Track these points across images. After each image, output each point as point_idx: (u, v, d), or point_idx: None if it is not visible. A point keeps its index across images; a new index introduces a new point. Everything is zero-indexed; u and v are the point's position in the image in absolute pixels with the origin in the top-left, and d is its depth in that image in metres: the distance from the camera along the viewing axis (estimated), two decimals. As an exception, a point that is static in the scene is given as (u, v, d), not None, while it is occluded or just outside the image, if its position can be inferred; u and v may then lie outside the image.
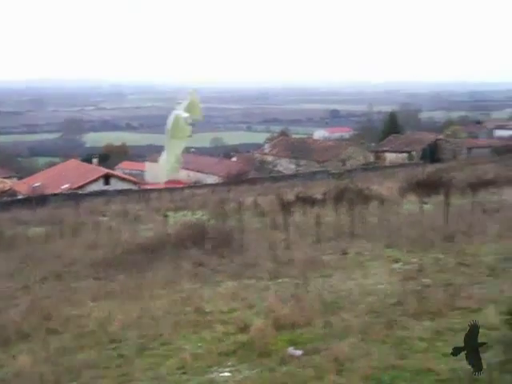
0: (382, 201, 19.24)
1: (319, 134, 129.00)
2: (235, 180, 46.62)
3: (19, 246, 17.66)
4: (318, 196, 21.68)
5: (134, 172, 66.12)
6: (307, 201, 19.95)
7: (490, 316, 6.71)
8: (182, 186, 45.52)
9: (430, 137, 72.67)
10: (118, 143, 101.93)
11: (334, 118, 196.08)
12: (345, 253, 12.50)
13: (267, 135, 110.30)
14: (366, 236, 14.36)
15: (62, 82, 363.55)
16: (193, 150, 66.52)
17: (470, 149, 71.35)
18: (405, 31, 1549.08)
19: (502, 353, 5.51)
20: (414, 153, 66.23)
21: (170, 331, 7.68)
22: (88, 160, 64.68)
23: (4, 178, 60.04)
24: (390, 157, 66.88)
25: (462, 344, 4.34)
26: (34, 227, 22.18)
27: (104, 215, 25.81)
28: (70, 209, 26.93)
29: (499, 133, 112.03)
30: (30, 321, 8.75)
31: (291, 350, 6.49)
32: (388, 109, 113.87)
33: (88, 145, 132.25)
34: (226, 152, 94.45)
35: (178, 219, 21.55)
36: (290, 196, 22.02)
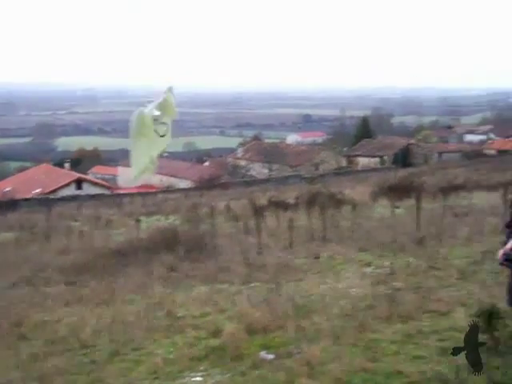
0: (354, 205, 19.36)
1: (292, 138, 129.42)
2: (208, 185, 46.59)
3: (-11, 251, 17.45)
4: (291, 200, 21.78)
5: (106, 176, 65.82)
6: (280, 205, 20.02)
7: (460, 319, 6.79)
8: (154, 190, 45.44)
9: (402, 141, 73.41)
10: (90, 147, 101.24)
11: (306, 122, 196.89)
12: (317, 257, 12.55)
13: (240, 140, 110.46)
14: (338, 240, 14.44)
15: (34, 86, 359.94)
16: (165, 154, 66.29)
17: (440, 153, 72.30)
18: (376, 38, 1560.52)
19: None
20: (385, 157, 66.80)
21: (141, 336, 7.65)
22: (60, 164, 64.32)
23: (-26, 182, 59.33)
24: (363, 161, 67.37)
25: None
26: (4, 232, 21.97)
27: (76, 220, 25.63)
28: (42, 214, 26.66)
29: (469, 137, 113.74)
30: (-1, 327, 8.66)
31: (263, 353, 6.50)
32: (360, 113, 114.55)
33: (60, 149, 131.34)
34: (199, 156, 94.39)
35: (151, 224, 21.48)
36: (262, 200, 22.11)
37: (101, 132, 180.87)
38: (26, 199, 40.55)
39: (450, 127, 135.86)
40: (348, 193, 24.09)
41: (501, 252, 3.26)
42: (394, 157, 66.11)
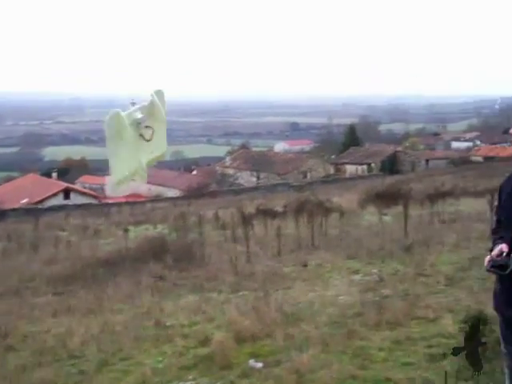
0: (342, 213, 19.41)
1: (280, 146, 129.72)
2: (196, 193, 46.60)
3: (-24, 262, 17.35)
4: (279, 208, 21.83)
5: (94, 186, 65.46)
6: (268, 213, 20.04)
7: (448, 325, 6.81)
8: (142, 199, 45.34)
9: (389, 149, 73.75)
10: (77, 157, 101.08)
11: (294, 130, 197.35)
12: (305, 265, 12.55)
13: (228, 148, 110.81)
14: (326, 248, 14.46)
15: (20, 96, 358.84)
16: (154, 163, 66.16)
17: (427, 160, 72.66)
18: (363, 46, 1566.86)
19: (459, 361, 5.60)
20: (373, 165, 67.04)
21: (130, 346, 7.62)
22: (47, 174, 64.05)
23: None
24: (350, 169, 67.63)
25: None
26: (-9, 243, 21.83)
27: (63, 230, 25.52)
28: (29, 224, 26.55)
29: (456, 144, 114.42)
30: (-13, 338, 8.60)
31: (252, 362, 6.49)
32: (347, 121, 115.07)
33: (47, 159, 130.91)
34: (187, 165, 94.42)
35: (139, 233, 21.44)
36: (250, 209, 22.11)
37: (88, 141, 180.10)
38: (14, 209, 40.38)
39: (436, 134, 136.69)
40: (336, 200, 24.14)
41: (487, 259, 3.28)
42: (382, 164, 66.37)
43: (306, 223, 17.12)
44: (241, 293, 10.43)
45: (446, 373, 5.19)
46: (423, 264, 11.07)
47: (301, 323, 7.70)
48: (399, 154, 71.30)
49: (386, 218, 19.12)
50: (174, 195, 52.39)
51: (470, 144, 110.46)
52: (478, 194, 22.70)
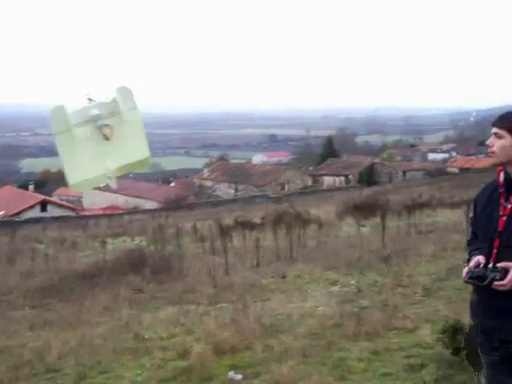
0: (320, 224, 19.51)
1: (258, 158, 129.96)
2: (174, 205, 46.51)
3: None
4: (257, 220, 21.86)
5: (71, 198, 65.07)
6: (246, 225, 20.07)
7: (426, 335, 6.86)
8: (120, 211, 45.17)
9: (367, 160, 74.27)
10: (55, 169, 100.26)
11: (272, 142, 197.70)
12: (284, 276, 12.57)
13: (206, 160, 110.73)
14: (304, 259, 14.49)
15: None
16: (130, 175, 65.96)
17: (404, 172, 73.23)
18: (340, 58, 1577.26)
19: (437, 370, 5.64)
20: (351, 176, 67.42)
21: (109, 359, 7.57)
22: (24, 186, 63.63)
23: None
24: (328, 180, 67.93)
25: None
26: (-34, 256, 21.58)
27: (41, 242, 25.35)
28: (6, 236, 26.32)
29: (432, 156, 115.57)
30: (-37, 353, 8.50)
31: (231, 374, 6.49)
32: (325, 133, 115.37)
33: (24, 171, 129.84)
34: (165, 177, 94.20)
35: (117, 245, 21.37)
36: (228, 221, 22.13)
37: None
38: (-11, 222, 40.03)
39: (413, 146, 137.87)
40: (314, 212, 24.22)
41: (465, 270, 3.32)
42: (359, 176, 66.76)
43: (284, 235, 17.15)
44: (219, 305, 10.42)
45: (424, 383, 5.23)
46: (401, 275, 11.12)
47: (280, 335, 7.71)
48: (376, 165, 71.82)
49: (364, 230, 19.22)
50: (152, 207, 52.22)
51: (446, 155, 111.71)
52: (454, 205, 22.95)
